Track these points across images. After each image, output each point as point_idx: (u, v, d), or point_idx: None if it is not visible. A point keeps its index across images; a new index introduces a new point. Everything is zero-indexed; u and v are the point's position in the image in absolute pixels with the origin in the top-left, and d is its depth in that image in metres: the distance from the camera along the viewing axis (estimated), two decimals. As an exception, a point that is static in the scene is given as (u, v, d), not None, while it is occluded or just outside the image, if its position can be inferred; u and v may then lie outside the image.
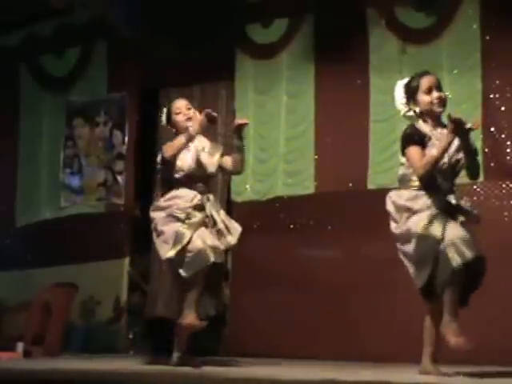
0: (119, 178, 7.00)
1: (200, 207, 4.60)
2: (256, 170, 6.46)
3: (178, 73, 6.80)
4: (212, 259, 4.43)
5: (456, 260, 3.85)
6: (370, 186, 6.00)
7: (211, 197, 4.70)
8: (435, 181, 4.03)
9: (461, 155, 4.05)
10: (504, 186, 5.61)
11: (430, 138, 4.00)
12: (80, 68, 7.32)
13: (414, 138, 3.98)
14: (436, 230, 3.91)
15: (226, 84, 6.72)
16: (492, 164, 5.63)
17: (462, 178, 5.59)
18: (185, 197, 4.59)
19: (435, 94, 4.04)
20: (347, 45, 6.09)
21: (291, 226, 6.26)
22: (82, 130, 7.33)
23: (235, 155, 4.73)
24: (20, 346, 5.84)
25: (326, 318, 5.53)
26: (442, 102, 4.06)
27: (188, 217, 4.54)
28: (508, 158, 5.61)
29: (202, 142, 4.77)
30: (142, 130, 6.99)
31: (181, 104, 4.80)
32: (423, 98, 4.04)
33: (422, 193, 4.02)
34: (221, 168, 4.82)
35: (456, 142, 3.99)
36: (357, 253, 5.88)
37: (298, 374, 4.27)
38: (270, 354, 5.53)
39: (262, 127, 6.50)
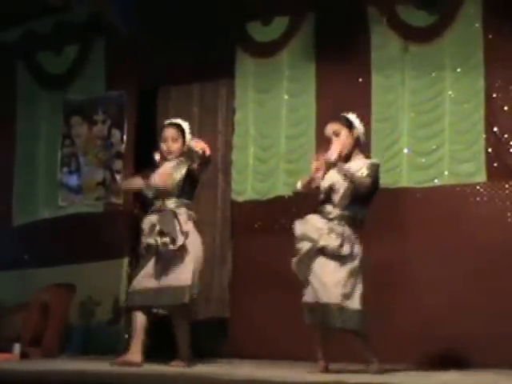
0: (118, 177, 6.95)
1: None
2: (257, 170, 6.43)
3: (177, 71, 6.77)
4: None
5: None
6: (372, 185, 5.96)
7: None
8: None
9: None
10: (507, 186, 5.59)
11: None
12: (78, 66, 7.26)
13: None
14: None
15: (226, 82, 6.68)
16: (495, 164, 5.62)
17: (467, 178, 5.67)
18: None
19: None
20: (348, 43, 6.06)
21: (292, 226, 6.20)
22: (80, 129, 7.28)
23: None
24: (17, 347, 5.79)
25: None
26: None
27: None
28: (511, 157, 5.58)
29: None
30: (141, 128, 6.94)
31: (168, 134, 4.98)
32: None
33: None
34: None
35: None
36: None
37: (299, 375, 4.26)
38: (271, 356, 5.51)
39: (263, 126, 6.46)
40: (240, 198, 6.45)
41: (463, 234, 5.58)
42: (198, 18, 6.62)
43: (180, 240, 4.79)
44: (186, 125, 5.09)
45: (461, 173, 5.72)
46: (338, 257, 4.49)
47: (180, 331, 4.84)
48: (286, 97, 6.38)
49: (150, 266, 4.88)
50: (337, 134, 4.67)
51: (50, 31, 7.29)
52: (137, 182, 5.19)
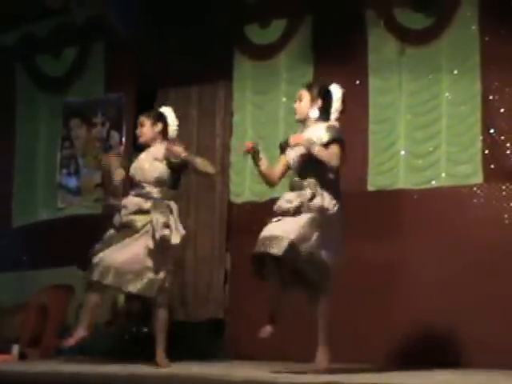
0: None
1: None
2: (254, 172, 6.37)
3: (175, 73, 6.78)
4: None
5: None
6: (370, 187, 5.99)
7: None
8: None
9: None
10: (504, 187, 5.59)
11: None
12: (77, 68, 7.28)
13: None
14: None
15: (224, 84, 6.70)
16: (492, 166, 5.62)
17: (463, 180, 5.69)
18: None
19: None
20: (346, 46, 6.07)
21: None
22: (79, 131, 7.30)
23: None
24: (15, 349, 5.80)
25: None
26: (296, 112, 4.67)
27: None
28: (507, 159, 5.59)
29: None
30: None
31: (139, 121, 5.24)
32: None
33: None
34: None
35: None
36: (357, 254, 5.85)
37: (299, 376, 4.26)
38: (269, 357, 5.51)
39: (261, 128, 6.47)
40: (238, 200, 6.47)
41: (460, 236, 5.59)
42: (196, 20, 6.63)
43: (175, 239, 4.88)
44: (160, 111, 5.29)
45: (458, 174, 5.73)
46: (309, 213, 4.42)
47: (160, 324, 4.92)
48: (283, 99, 6.38)
49: (128, 246, 4.88)
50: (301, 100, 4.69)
51: (49, 34, 7.31)
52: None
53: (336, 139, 4.55)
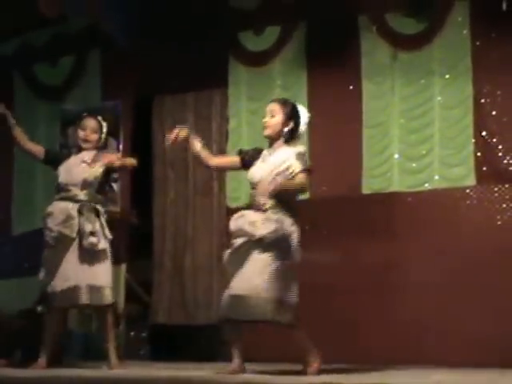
0: (115, 186, 7.00)
1: None
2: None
3: (171, 80, 6.82)
4: None
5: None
6: (365, 190, 6.05)
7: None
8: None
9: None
10: (496, 189, 5.65)
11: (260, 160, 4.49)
12: (74, 77, 7.30)
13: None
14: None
15: (220, 91, 6.74)
16: (484, 168, 5.69)
17: (456, 182, 5.75)
18: None
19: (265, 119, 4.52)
20: (339, 51, 6.13)
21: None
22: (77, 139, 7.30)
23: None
24: (18, 354, 5.81)
25: (321, 322, 5.54)
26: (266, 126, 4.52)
27: None
28: (500, 161, 5.66)
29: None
30: (137, 137, 7.01)
31: (88, 124, 5.20)
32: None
33: None
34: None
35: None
36: (352, 257, 5.92)
37: (299, 378, 4.29)
38: (271, 359, 5.54)
39: (256, 134, 6.49)
40: (234, 205, 6.51)
41: (454, 237, 5.65)
42: (191, 28, 6.66)
43: (103, 243, 4.91)
44: (104, 123, 5.26)
45: (451, 177, 5.80)
46: (273, 247, 4.26)
47: (111, 332, 4.97)
48: (278, 105, 6.44)
49: (69, 262, 4.87)
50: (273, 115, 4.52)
51: (46, 43, 7.33)
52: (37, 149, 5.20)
53: (306, 169, 4.41)
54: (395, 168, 5.98)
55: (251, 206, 4.43)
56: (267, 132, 4.52)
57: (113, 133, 7.07)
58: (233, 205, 6.51)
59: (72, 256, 4.88)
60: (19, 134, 5.25)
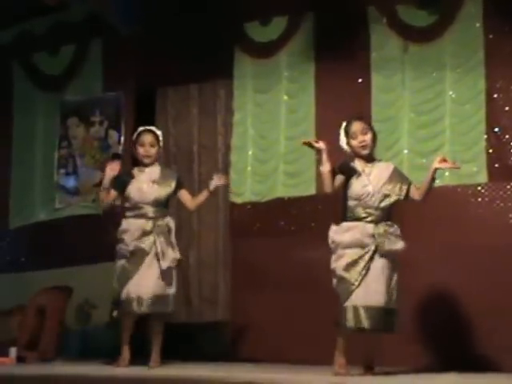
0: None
1: None
2: (256, 171, 6.40)
3: (175, 71, 6.75)
4: None
5: (350, 322, 4.50)
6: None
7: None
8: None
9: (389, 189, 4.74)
10: (508, 187, 5.56)
11: (359, 175, 4.69)
12: (75, 66, 7.23)
13: (340, 168, 4.72)
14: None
15: (225, 83, 6.65)
16: (496, 165, 5.60)
17: (468, 179, 5.64)
18: None
19: (360, 138, 4.71)
20: (348, 43, 6.03)
21: (292, 228, 6.20)
22: (77, 130, 7.25)
23: None
24: (13, 351, 5.75)
25: (328, 321, 5.44)
26: (365, 146, 4.73)
27: None
28: (512, 158, 5.57)
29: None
30: (139, 129, 6.90)
31: (145, 139, 5.34)
32: (351, 142, 4.75)
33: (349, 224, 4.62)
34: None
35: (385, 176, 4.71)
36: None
37: (299, 378, 4.24)
38: (272, 359, 5.48)
39: (262, 127, 6.44)
40: (239, 200, 6.42)
41: (464, 235, 5.56)
42: (196, 18, 6.59)
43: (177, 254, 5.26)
44: (159, 133, 5.43)
45: (462, 173, 5.67)
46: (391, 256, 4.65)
47: (161, 335, 5.22)
48: (285, 97, 6.35)
49: (141, 273, 5.17)
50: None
51: (46, 31, 7.27)
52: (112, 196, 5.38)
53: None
54: (404, 163, 5.87)
55: (358, 218, 4.65)
56: (365, 151, 4.75)
57: (115, 125, 7.04)
58: (237, 200, 6.42)
59: (144, 267, 5.17)
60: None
